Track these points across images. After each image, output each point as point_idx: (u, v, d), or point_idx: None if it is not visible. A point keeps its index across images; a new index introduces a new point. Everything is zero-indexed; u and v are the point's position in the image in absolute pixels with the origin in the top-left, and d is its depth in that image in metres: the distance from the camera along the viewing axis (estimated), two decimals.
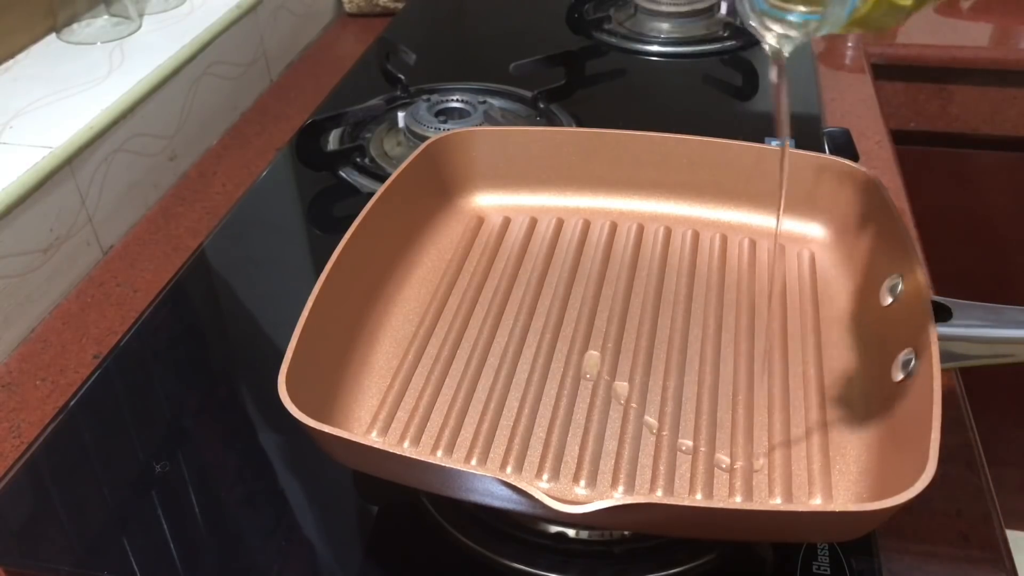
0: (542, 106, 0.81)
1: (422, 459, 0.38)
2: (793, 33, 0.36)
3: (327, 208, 0.72)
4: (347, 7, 1.07)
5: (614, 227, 0.59)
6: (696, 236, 0.58)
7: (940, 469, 0.35)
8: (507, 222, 0.60)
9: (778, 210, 0.45)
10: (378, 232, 0.52)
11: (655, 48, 0.92)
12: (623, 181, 0.60)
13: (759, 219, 0.58)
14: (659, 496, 0.42)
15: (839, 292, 0.53)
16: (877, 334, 0.48)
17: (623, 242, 0.58)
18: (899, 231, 0.48)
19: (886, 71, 0.99)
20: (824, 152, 0.60)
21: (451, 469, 0.38)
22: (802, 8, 0.36)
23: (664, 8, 0.95)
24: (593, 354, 0.50)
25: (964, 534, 0.46)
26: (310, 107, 0.85)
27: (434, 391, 0.48)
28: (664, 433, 0.45)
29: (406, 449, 0.44)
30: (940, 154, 1.08)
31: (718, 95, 0.84)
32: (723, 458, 0.44)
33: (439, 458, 0.43)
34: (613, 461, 0.44)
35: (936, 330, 0.41)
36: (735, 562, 0.44)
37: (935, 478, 0.34)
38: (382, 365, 0.50)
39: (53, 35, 0.79)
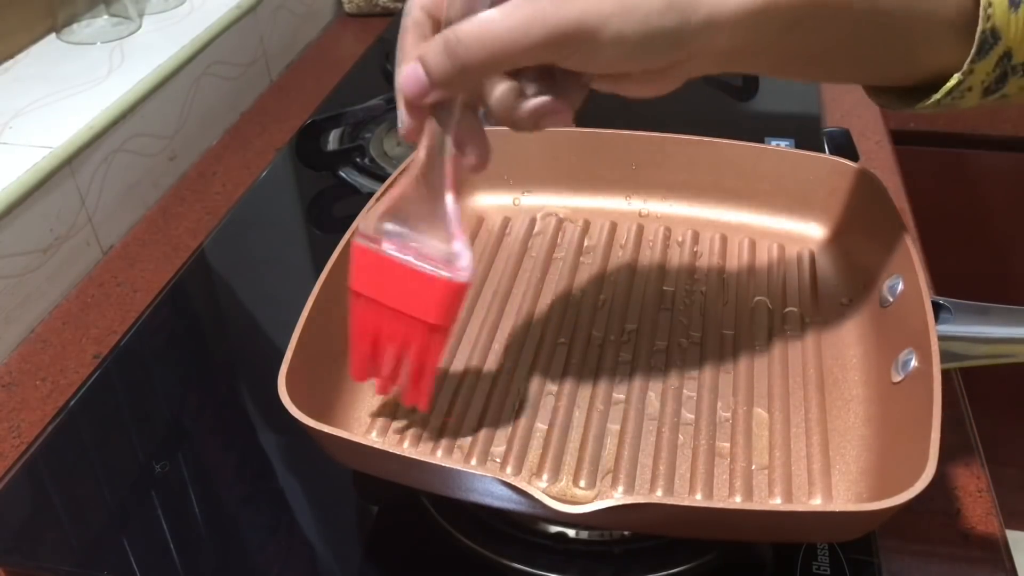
0: None
1: (422, 459, 0.38)
2: None
3: (327, 208, 0.72)
4: (347, 7, 1.07)
5: (614, 227, 0.59)
6: (696, 236, 0.58)
7: (940, 469, 0.35)
8: (507, 222, 0.60)
9: None
10: None
11: None
12: (623, 181, 0.60)
13: (759, 219, 0.58)
14: (659, 496, 0.42)
15: (839, 292, 0.53)
16: (877, 334, 0.48)
17: (623, 242, 0.58)
18: (899, 231, 0.48)
19: None
20: (824, 152, 0.60)
21: (451, 469, 0.38)
22: None
23: None
24: (593, 354, 0.50)
25: (964, 534, 0.46)
26: (310, 107, 0.85)
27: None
28: (664, 433, 0.45)
29: (406, 449, 0.44)
30: (940, 154, 1.08)
31: (718, 95, 0.84)
32: (723, 458, 0.44)
33: (439, 458, 0.44)
34: (613, 461, 0.44)
35: (936, 330, 0.41)
36: (735, 562, 0.44)
37: (935, 478, 0.34)
38: None
39: (53, 35, 0.79)
